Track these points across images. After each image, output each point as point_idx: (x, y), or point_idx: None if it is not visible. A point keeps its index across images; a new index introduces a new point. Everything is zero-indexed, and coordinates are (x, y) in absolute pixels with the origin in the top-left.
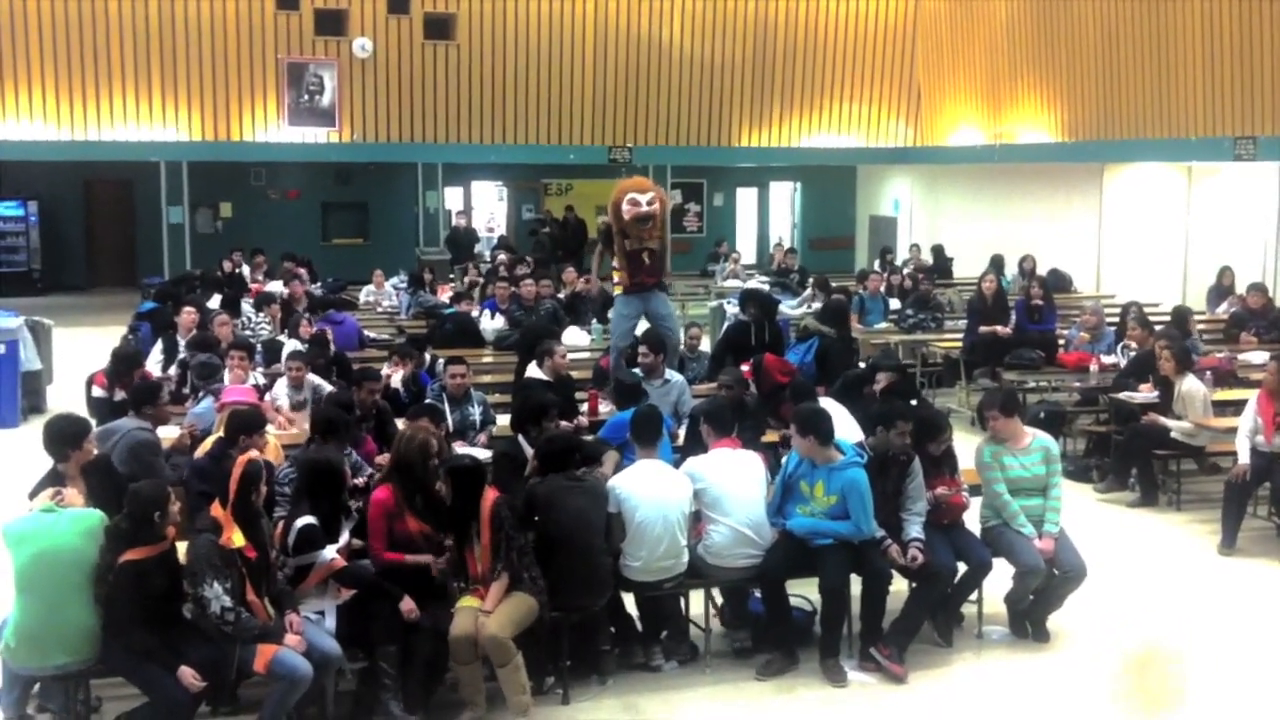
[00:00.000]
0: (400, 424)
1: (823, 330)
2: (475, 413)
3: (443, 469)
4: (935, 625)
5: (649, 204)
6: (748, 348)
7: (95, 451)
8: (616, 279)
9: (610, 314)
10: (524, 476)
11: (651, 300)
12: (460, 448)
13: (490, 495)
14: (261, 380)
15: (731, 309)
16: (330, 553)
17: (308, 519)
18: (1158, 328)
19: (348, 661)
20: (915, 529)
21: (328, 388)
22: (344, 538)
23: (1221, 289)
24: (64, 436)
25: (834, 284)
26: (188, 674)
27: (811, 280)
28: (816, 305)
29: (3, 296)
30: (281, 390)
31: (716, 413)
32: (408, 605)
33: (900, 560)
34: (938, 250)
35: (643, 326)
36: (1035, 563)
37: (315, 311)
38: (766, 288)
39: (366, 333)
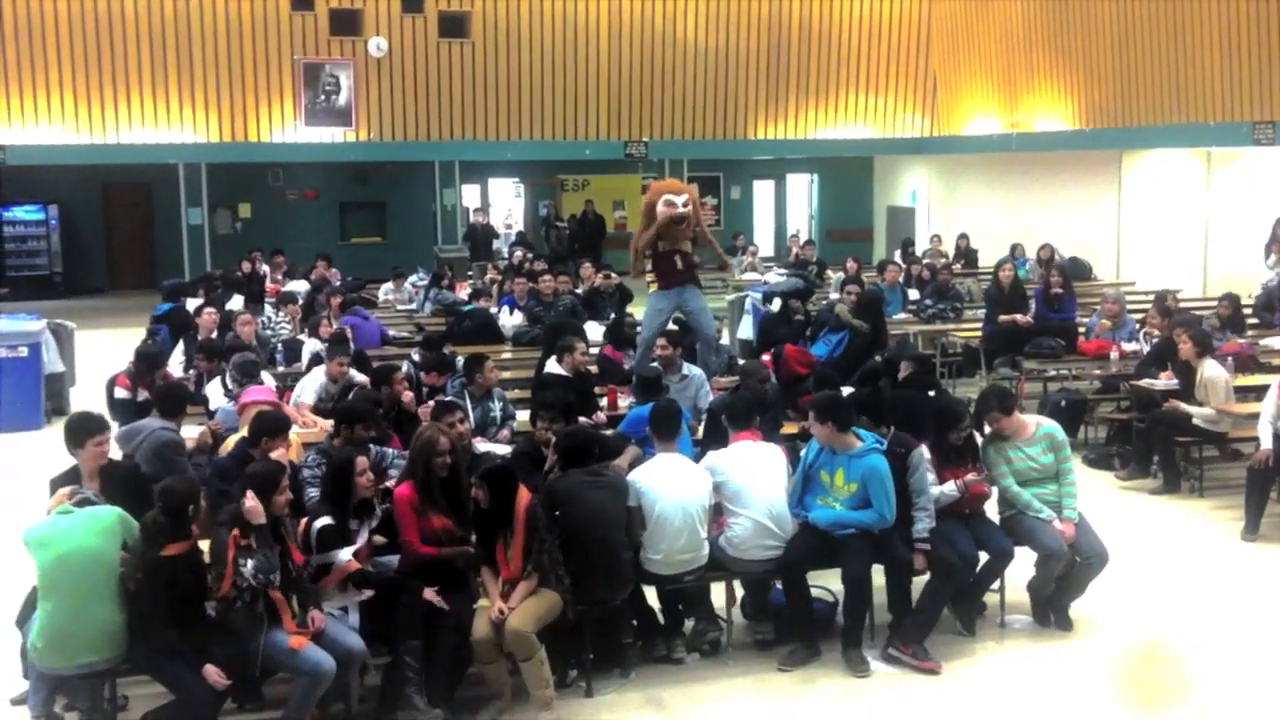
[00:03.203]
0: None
1: (854, 325)
2: (496, 409)
3: (476, 474)
4: (958, 615)
5: (684, 205)
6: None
7: (106, 451)
8: (650, 278)
9: (644, 310)
10: (543, 472)
11: (684, 294)
12: (481, 444)
13: (525, 496)
14: (272, 382)
15: (755, 297)
16: (346, 554)
17: (326, 520)
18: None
19: (371, 656)
20: (921, 525)
21: (360, 378)
22: (363, 537)
23: None
24: (70, 433)
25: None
26: (212, 671)
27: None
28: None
29: (24, 299)
30: (309, 387)
31: (736, 406)
32: (429, 593)
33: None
34: (963, 238)
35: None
36: (1057, 546)
37: (346, 307)
38: (786, 279)
39: (389, 330)
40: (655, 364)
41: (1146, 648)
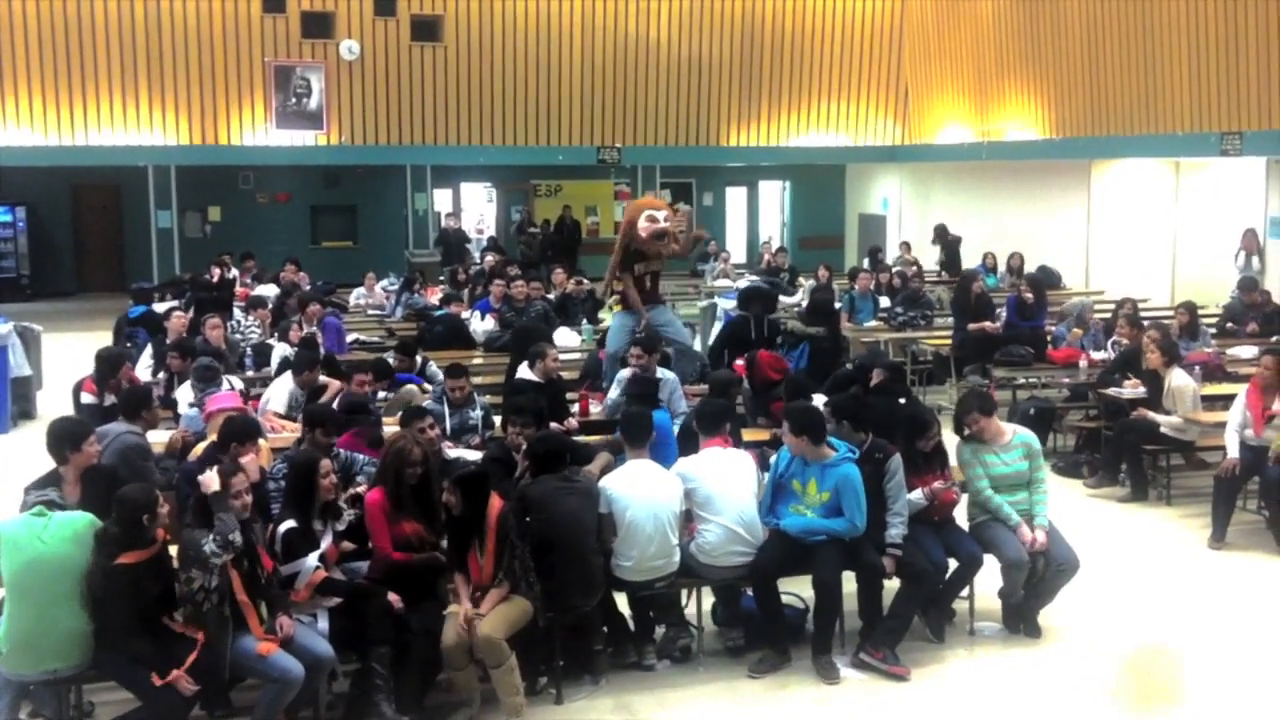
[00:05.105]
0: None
1: (810, 333)
2: (476, 416)
3: (449, 479)
4: (927, 621)
5: (665, 220)
6: (747, 343)
7: (96, 453)
8: (612, 299)
9: (610, 324)
10: (515, 478)
11: (650, 312)
12: (451, 450)
13: (496, 503)
14: (239, 384)
15: (727, 304)
16: (313, 561)
17: (289, 524)
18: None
19: (340, 663)
20: (895, 531)
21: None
22: (327, 540)
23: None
24: (62, 437)
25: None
26: (180, 677)
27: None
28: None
29: None
30: (278, 395)
31: (705, 413)
32: (393, 598)
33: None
34: (939, 227)
35: None
36: (1019, 556)
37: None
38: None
39: (357, 335)
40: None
41: (1117, 654)
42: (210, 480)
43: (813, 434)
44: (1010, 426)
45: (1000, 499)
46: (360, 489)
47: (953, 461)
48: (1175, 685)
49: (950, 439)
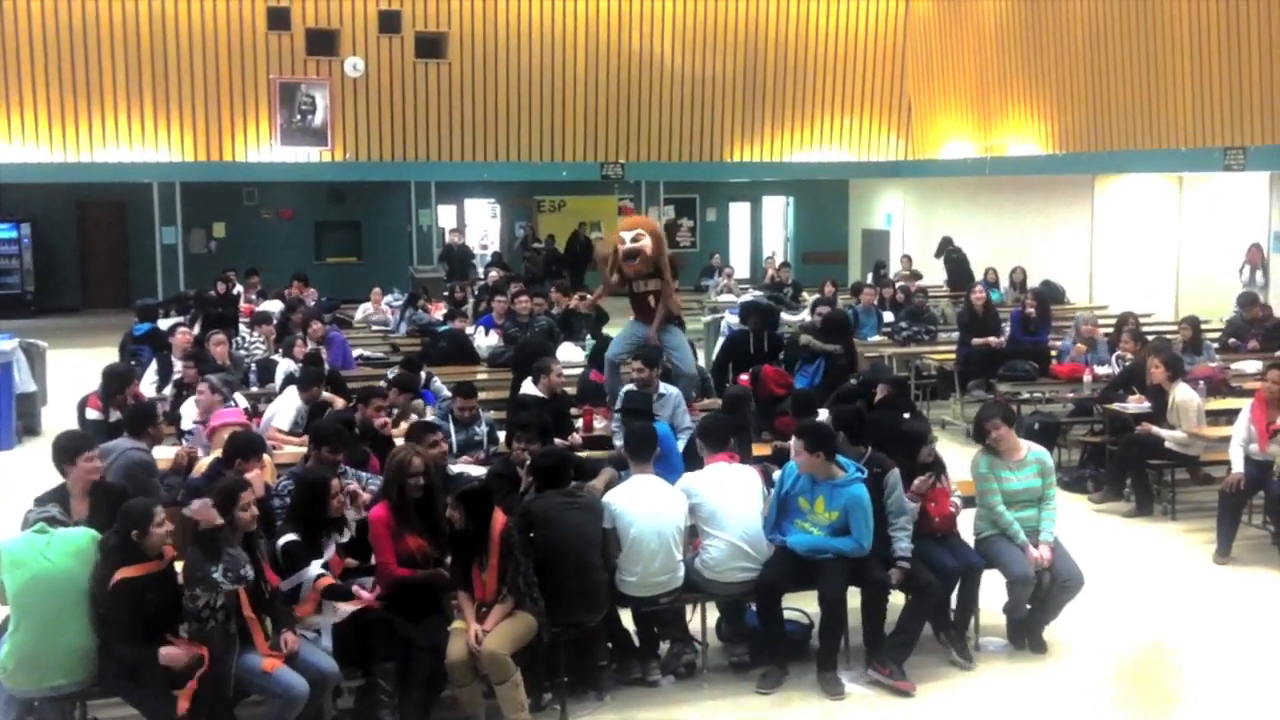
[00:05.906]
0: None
1: (828, 350)
2: (481, 433)
3: (452, 496)
4: (951, 643)
5: (633, 240)
6: (748, 357)
7: (98, 468)
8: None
9: (620, 329)
10: (519, 493)
11: (663, 333)
12: (455, 466)
13: (500, 519)
14: (243, 402)
15: (732, 319)
16: (315, 569)
17: (289, 537)
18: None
19: (344, 679)
20: (903, 545)
21: (326, 396)
22: (329, 552)
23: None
24: (60, 450)
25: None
26: (186, 694)
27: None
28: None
29: None
30: (284, 411)
31: (711, 429)
32: (367, 596)
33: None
34: (947, 240)
35: None
36: (1024, 572)
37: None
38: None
39: (361, 350)
40: (632, 385)
41: (1122, 669)
42: (212, 515)
43: (827, 452)
44: (1025, 443)
45: (1010, 515)
46: (369, 492)
47: (955, 476)
48: (1179, 699)
49: (967, 454)
